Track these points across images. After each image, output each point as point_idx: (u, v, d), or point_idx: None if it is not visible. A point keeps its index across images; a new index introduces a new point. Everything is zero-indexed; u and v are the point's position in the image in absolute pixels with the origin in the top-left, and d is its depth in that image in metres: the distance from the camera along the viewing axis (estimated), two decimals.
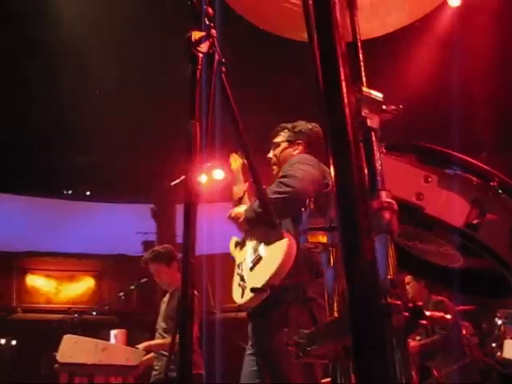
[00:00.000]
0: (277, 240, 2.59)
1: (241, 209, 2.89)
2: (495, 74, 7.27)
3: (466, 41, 7.21)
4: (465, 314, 4.93)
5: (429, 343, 4.69)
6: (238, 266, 2.84)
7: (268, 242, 2.66)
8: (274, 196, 2.61)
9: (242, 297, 2.63)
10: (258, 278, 2.57)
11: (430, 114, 7.89)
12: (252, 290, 2.49)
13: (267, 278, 2.49)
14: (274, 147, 3.12)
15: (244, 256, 2.82)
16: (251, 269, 2.70)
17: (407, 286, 4.91)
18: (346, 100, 0.64)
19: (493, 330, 4.10)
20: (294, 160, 2.85)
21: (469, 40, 7.18)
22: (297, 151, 3.03)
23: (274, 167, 3.11)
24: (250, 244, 2.81)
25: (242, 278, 2.73)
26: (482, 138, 7.55)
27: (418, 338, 4.63)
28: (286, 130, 3.10)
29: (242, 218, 2.81)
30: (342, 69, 0.66)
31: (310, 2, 0.87)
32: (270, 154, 3.13)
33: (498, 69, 7.28)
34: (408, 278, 4.71)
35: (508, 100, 7.46)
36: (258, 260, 2.68)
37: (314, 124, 3.10)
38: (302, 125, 3.08)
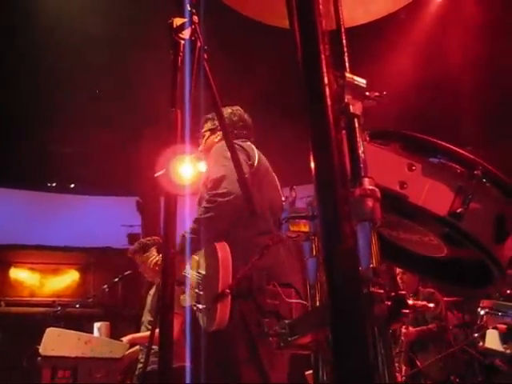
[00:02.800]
0: (208, 251, 2.60)
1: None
2: (480, 67, 7.29)
3: (451, 34, 7.23)
4: (448, 305, 4.97)
5: (425, 330, 4.76)
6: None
7: (204, 259, 2.67)
8: (209, 214, 2.62)
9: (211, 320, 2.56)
10: (211, 289, 2.53)
11: (415, 108, 7.90)
12: (215, 299, 2.44)
13: (220, 281, 2.46)
14: (201, 138, 3.16)
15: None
16: (200, 289, 2.67)
17: (404, 276, 4.93)
18: (325, 79, 0.62)
19: (475, 321, 4.13)
20: (216, 152, 2.81)
21: (454, 34, 7.20)
22: (218, 137, 3.03)
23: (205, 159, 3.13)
24: (191, 272, 2.80)
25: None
26: (467, 131, 7.58)
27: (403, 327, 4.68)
28: (208, 120, 3.13)
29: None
30: (321, 47, 0.63)
31: None
32: (200, 147, 3.14)
33: (483, 63, 7.30)
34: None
35: (493, 94, 7.49)
36: (204, 278, 2.66)
37: (235, 107, 3.12)
38: (223, 111, 3.09)
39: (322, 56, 0.63)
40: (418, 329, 4.77)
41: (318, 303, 1.17)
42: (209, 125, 3.11)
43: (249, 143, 2.94)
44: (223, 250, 2.52)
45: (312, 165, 0.63)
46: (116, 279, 5.33)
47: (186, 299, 2.86)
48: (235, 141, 2.83)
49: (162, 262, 1.40)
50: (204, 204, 2.67)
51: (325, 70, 0.62)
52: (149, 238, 4.68)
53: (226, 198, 2.59)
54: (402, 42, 7.44)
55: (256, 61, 7.93)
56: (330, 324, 0.56)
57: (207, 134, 3.11)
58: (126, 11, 7.44)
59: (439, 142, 1.36)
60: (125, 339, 4.33)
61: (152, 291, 4.59)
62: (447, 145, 1.35)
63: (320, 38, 0.63)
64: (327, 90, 0.61)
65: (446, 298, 4.85)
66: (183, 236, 2.65)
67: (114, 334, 4.72)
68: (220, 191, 2.62)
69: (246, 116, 3.11)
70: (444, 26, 7.28)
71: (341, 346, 0.55)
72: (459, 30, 7.16)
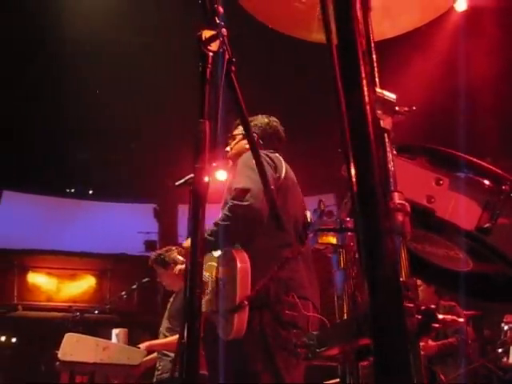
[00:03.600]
0: (227, 260, 2.61)
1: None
2: (501, 79, 7.26)
3: (470, 46, 7.20)
4: (466, 319, 4.92)
5: (446, 344, 4.70)
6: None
7: (222, 267, 2.67)
8: (227, 223, 2.62)
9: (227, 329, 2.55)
10: (229, 298, 2.53)
11: (435, 118, 7.87)
12: (232, 310, 2.45)
13: (238, 292, 2.46)
14: (231, 140, 3.14)
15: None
16: (218, 297, 2.66)
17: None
18: (366, 98, 0.63)
19: (496, 336, 4.08)
20: (245, 161, 2.76)
21: (474, 46, 7.18)
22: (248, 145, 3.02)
23: (229, 160, 3.12)
24: (210, 277, 2.80)
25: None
26: (486, 142, 7.54)
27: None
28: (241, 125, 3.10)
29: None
30: (362, 67, 0.65)
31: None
32: (228, 148, 3.14)
33: (503, 74, 7.27)
34: (418, 282, 4.69)
35: None
36: (222, 286, 2.66)
37: (272, 118, 3.11)
38: (259, 119, 3.08)
39: (363, 75, 0.65)
40: (439, 343, 4.72)
41: (345, 315, 1.18)
42: (242, 128, 3.09)
43: (277, 155, 2.93)
44: (242, 260, 2.52)
45: (352, 180, 0.64)
46: (134, 286, 5.37)
47: (203, 304, 2.88)
48: (265, 151, 2.84)
49: (189, 268, 1.42)
50: (224, 211, 2.67)
51: (366, 89, 0.64)
52: (167, 249, 4.70)
53: (247, 211, 2.59)
54: (423, 54, 7.43)
55: (277, 71, 7.99)
56: (372, 341, 0.57)
57: (239, 137, 3.09)
58: (156, 23, 7.55)
59: (467, 156, 1.36)
60: (142, 346, 4.35)
61: (172, 298, 4.61)
62: (475, 159, 1.35)
63: (361, 58, 0.65)
64: (368, 108, 0.63)
65: (465, 312, 4.81)
66: None
67: (130, 340, 4.75)
68: (243, 203, 2.61)
69: (280, 129, 3.10)
70: (464, 37, 7.26)
71: (384, 364, 0.56)
72: (479, 41, 7.14)
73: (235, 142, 3.10)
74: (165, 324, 4.51)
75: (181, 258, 4.01)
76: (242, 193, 2.64)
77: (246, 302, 2.42)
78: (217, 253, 2.80)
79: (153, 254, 4.67)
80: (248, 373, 2.53)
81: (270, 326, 2.52)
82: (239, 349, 2.52)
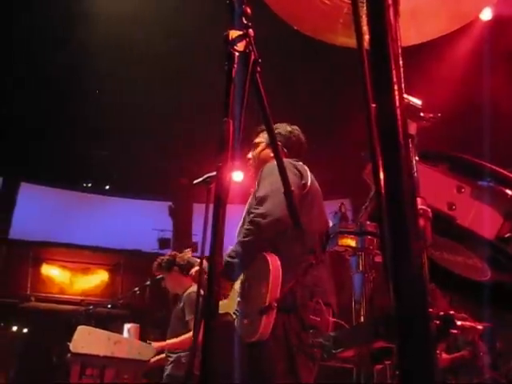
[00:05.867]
0: (257, 262, 2.60)
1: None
2: None
3: (495, 54, 7.16)
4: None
5: (459, 357, 4.63)
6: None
7: (251, 268, 2.67)
8: (249, 238, 2.61)
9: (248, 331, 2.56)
10: (256, 299, 2.53)
11: (457, 126, 7.83)
12: (261, 311, 2.44)
13: (268, 294, 2.45)
14: (254, 148, 3.11)
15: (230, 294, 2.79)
16: (243, 298, 2.67)
17: None
18: (397, 103, 0.64)
19: (509, 349, 4.02)
20: (268, 170, 2.74)
21: (498, 54, 7.13)
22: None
23: (252, 168, 3.10)
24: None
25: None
26: (509, 151, 7.47)
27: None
28: (265, 132, 3.02)
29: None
30: (394, 71, 0.66)
31: (362, 5, 0.88)
32: (250, 155, 3.12)
33: None
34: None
35: None
36: (248, 287, 2.66)
37: (294, 127, 3.09)
38: (282, 127, 3.05)
39: (395, 80, 0.66)
40: (452, 356, 4.64)
41: (362, 318, 1.19)
42: (265, 136, 3.04)
43: (301, 163, 2.92)
44: (274, 263, 2.51)
45: (380, 185, 0.65)
46: (147, 282, 5.40)
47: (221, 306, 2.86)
48: (290, 160, 2.84)
49: (208, 270, 1.43)
50: (246, 225, 2.67)
51: (397, 94, 0.65)
52: (166, 255, 4.72)
53: (266, 220, 2.58)
54: (446, 61, 7.39)
55: (296, 73, 7.99)
56: (397, 345, 0.58)
57: (262, 145, 3.07)
58: (182, 25, 7.60)
59: (489, 165, 1.36)
60: (154, 345, 4.37)
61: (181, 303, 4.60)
62: (498, 169, 1.34)
63: (393, 63, 0.66)
64: (399, 114, 0.64)
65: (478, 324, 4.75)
66: (226, 260, 2.63)
67: (141, 336, 4.78)
68: (260, 211, 2.62)
69: (302, 138, 3.09)
70: (487, 45, 7.21)
71: (409, 369, 0.57)
72: (502, 49, 7.10)
73: (259, 149, 3.08)
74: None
75: (196, 259, 4.02)
76: (261, 201, 2.65)
77: (275, 304, 2.43)
78: None
79: (154, 263, 4.68)
80: (269, 374, 2.54)
81: (294, 329, 2.52)
82: (262, 351, 2.52)
